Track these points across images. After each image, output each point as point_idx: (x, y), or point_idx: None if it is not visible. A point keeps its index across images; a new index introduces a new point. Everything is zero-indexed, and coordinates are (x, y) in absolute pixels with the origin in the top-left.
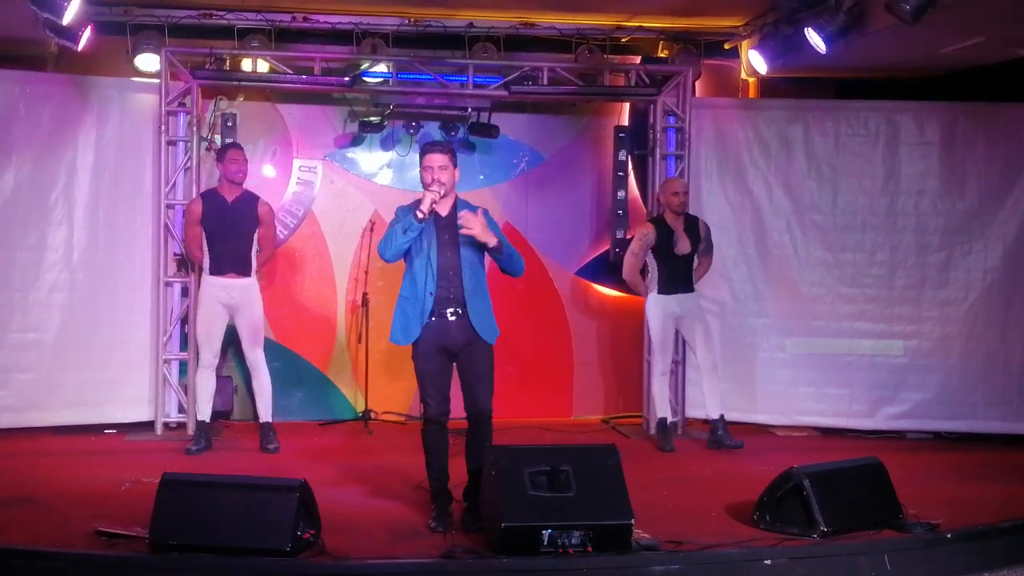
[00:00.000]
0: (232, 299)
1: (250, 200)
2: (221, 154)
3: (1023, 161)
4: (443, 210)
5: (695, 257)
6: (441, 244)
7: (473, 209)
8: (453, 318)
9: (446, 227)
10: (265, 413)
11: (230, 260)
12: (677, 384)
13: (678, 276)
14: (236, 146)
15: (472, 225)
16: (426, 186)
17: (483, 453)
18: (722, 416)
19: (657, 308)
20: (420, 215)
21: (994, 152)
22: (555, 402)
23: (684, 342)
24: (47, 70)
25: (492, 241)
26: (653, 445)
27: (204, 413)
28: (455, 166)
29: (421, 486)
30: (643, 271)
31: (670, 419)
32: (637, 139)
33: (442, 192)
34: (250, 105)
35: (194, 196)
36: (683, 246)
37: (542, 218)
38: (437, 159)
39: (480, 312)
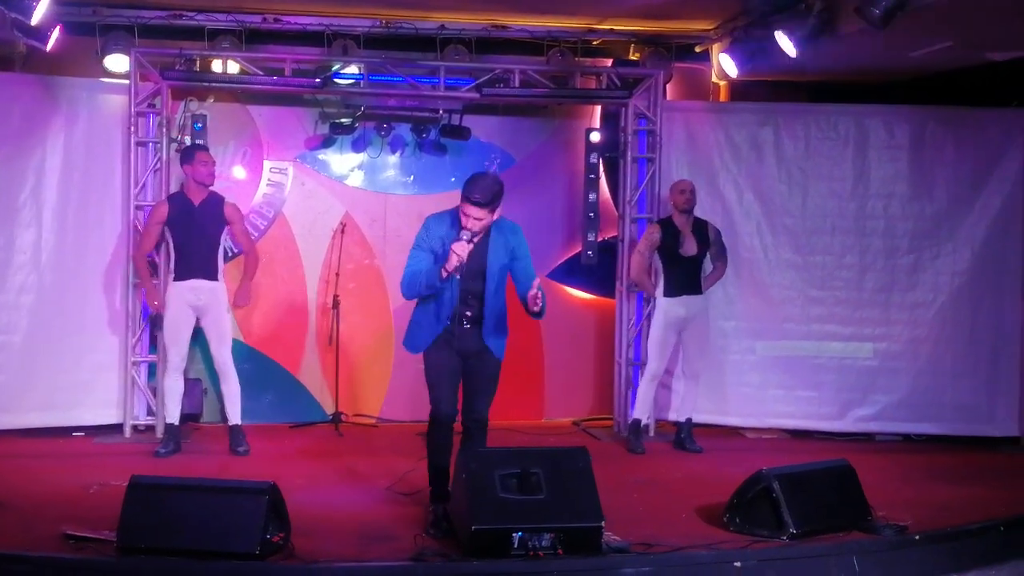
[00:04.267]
0: (200, 301)
1: (216, 202)
2: (188, 156)
3: (991, 165)
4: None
5: (705, 261)
6: (468, 270)
7: (506, 227)
8: (468, 326)
9: (474, 254)
10: (234, 416)
11: (197, 263)
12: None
13: (685, 278)
14: (205, 148)
15: (538, 300)
16: (461, 227)
17: None
18: (689, 420)
19: (661, 312)
20: (444, 274)
21: (963, 156)
22: (526, 404)
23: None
24: (15, 70)
25: (538, 308)
26: (624, 447)
27: (173, 416)
28: (494, 211)
29: (392, 488)
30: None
31: (644, 422)
32: (608, 142)
33: (468, 253)
34: (220, 106)
35: (163, 198)
36: (689, 247)
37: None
38: (474, 211)
39: (493, 331)
